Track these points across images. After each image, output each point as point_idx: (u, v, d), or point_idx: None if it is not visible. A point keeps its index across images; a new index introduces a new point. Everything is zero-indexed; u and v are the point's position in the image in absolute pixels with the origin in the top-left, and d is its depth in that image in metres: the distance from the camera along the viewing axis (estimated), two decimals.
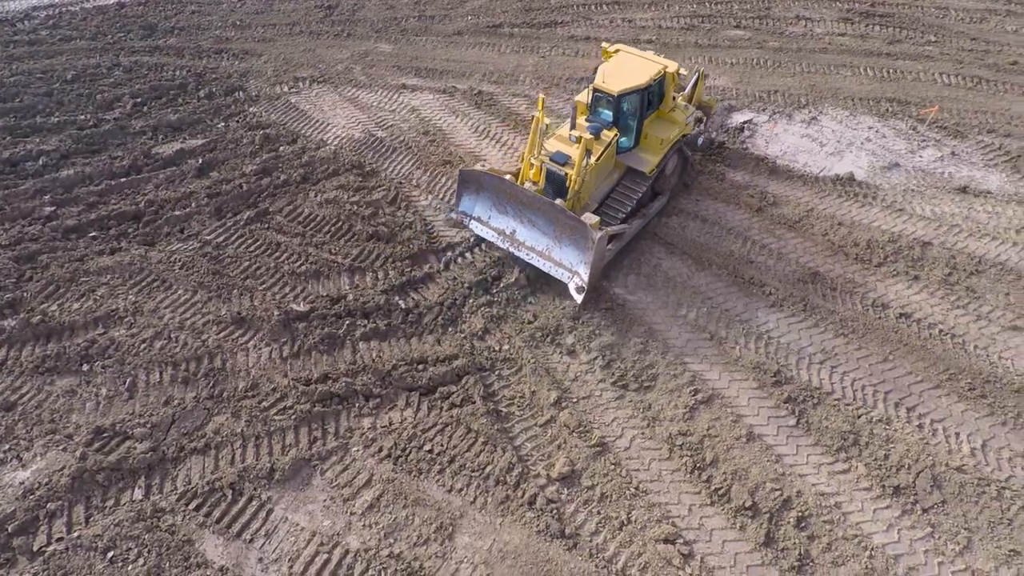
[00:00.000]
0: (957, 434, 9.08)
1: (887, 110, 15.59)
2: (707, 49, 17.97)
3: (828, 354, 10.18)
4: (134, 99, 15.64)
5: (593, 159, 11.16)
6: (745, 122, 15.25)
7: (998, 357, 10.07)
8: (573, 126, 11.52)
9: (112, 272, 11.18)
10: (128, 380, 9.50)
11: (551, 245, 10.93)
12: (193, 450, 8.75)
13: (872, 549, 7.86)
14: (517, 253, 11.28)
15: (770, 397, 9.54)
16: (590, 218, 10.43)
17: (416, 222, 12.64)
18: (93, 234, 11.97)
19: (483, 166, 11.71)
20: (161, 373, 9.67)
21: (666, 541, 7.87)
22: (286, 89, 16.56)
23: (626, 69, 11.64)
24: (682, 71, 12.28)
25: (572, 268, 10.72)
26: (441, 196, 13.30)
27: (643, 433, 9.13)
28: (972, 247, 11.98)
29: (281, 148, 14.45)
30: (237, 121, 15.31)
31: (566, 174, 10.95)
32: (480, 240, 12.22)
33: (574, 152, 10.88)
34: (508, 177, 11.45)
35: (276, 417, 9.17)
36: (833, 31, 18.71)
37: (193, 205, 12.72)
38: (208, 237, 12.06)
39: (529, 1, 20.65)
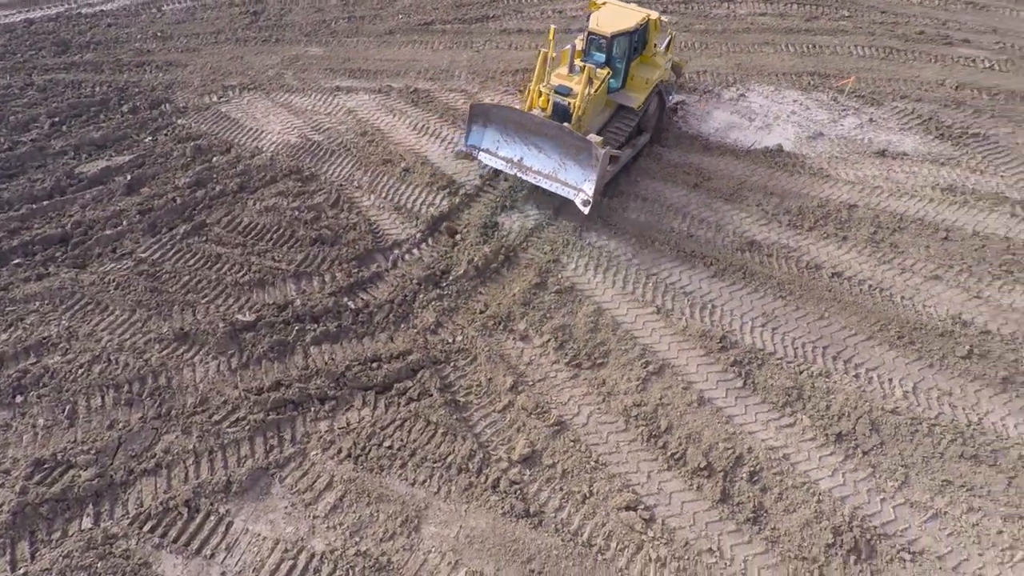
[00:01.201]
0: (890, 380, 9.61)
1: (809, 83, 16.29)
2: None
3: (769, 317, 10.60)
4: (51, 118, 14.95)
5: (593, 89, 12.22)
6: (678, 103, 15.68)
7: (922, 305, 10.69)
8: (572, 64, 12.52)
9: (41, 298, 10.70)
10: (67, 408, 9.12)
11: (557, 167, 11.95)
12: (143, 472, 8.47)
13: (820, 494, 8.25)
14: (525, 177, 12.29)
15: (717, 362, 9.87)
16: (594, 137, 11.59)
17: (360, 223, 12.52)
18: (17, 261, 11.42)
19: (491, 99, 12.75)
20: (103, 397, 9.31)
21: (628, 508, 8.07)
22: (215, 99, 16.13)
23: (616, 15, 12.95)
24: (664, 19, 13.53)
25: (577, 186, 11.73)
26: (383, 195, 13.22)
27: (599, 408, 9.32)
28: (893, 206, 12.65)
29: (214, 158, 14.07)
30: (165, 134, 14.83)
31: (569, 103, 12.05)
32: (428, 235, 12.24)
33: (576, 85, 12.07)
34: (516, 106, 12.75)
35: (229, 429, 8.97)
36: (754, 11, 19.40)
37: (124, 223, 12.27)
38: (143, 254, 11.67)
39: None
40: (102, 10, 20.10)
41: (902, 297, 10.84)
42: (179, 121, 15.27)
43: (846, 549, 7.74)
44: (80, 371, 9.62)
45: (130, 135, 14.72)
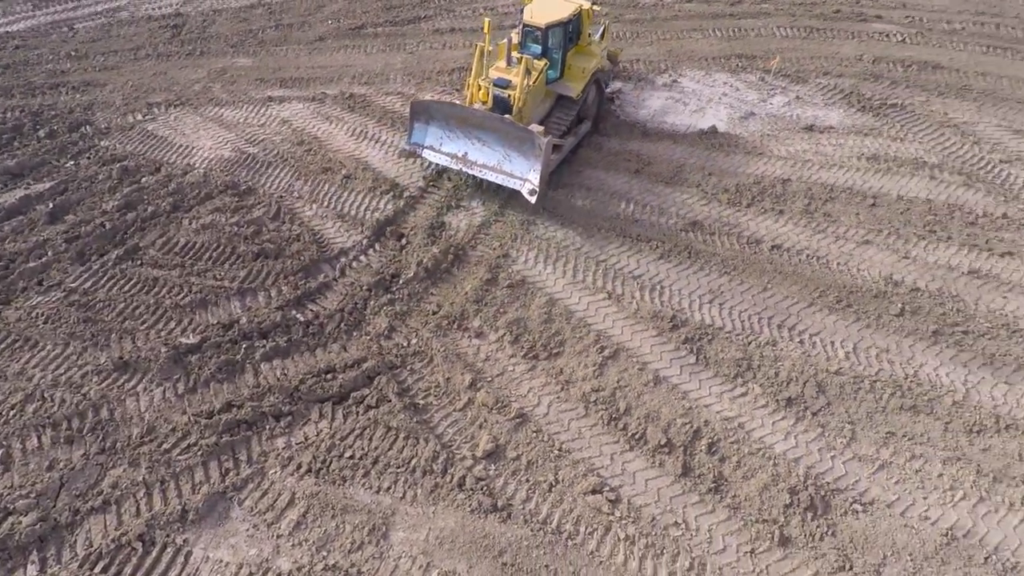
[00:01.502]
0: (832, 343, 10.00)
1: (737, 66, 16.79)
2: None
3: (716, 293, 10.88)
4: None
5: (532, 80, 12.37)
6: (615, 91, 15.92)
7: (856, 270, 11.16)
8: (509, 57, 12.65)
9: None
10: (0, 452, 8.60)
11: (501, 160, 12.11)
12: (91, 510, 8.07)
13: (775, 458, 8.52)
14: (470, 172, 12.41)
15: (670, 341, 10.07)
16: (536, 127, 11.74)
17: (304, 233, 12.26)
18: None
19: (431, 97, 12.83)
20: (39, 437, 8.82)
21: (594, 492, 8.15)
22: (140, 117, 15.50)
23: (549, 7, 13.10)
24: (596, 8, 13.89)
25: (523, 176, 11.89)
26: (326, 204, 12.96)
27: (559, 397, 9.38)
28: (824, 177, 13.17)
29: (143, 179, 13.52)
30: (88, 158, 14.16)
31: (509, 95, 12.19)
32: (375, 240, 12.07)
33: (514, 77, 12.19)
34: (457, 102, 12.66)
35: (180, 457, 8.64)
36: (681, 0, 19.87)
37: (50, 253, 11.66)
38: (73, 284, 11.12)
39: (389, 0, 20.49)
40: (8, 31, 19.10)
41: (838, 263, 11.29)
42: (102, 143, 14.62)
43: (803, 507, 8.01)
44: (12, 412, 9.10)
45: (49, 161, 14.00)
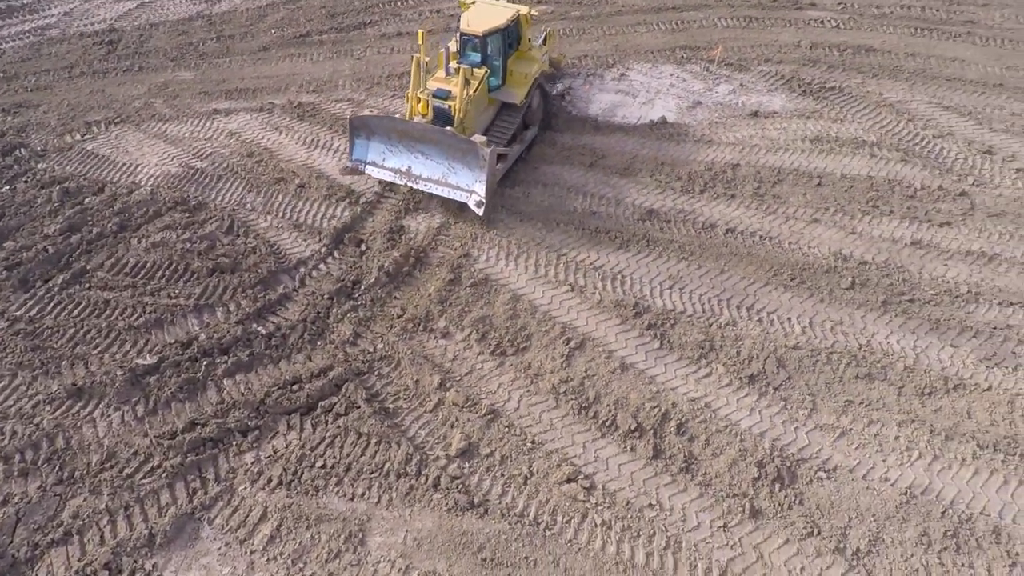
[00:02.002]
0: (789, 319, 10.32)
1: (682, 57, 17.17)
2: None
3: (675, 279, 11.10)
4: None
5: (472, 90, 12.17)
6: (564, 89, 16.08)
7: (807, 247, 11.55)
8: (448, 67, 12.45)
9: None
10: None
11: (446, 172, 11.90)
12: (51, 543, 7.76)
13: (742, 434, 8.75)
14: (415, 186, 12.19)
15: (633, 328, 10.24)
16: (479, 138, 11.50)
17: (260, 245, 12.02)
18: None
19: (370, 111, 12.49)
20: None
21: (568, 481, 8.23)
22: (78, 137, 14.95)
23: (486, 14, 13.00)
24: (534, 12, 13.87)
25: (469, 188, 11.72)
26: (280, 215, 12.75)
27: (528, 391, 9.44)
28: (771, 161, 13.58)
29: (87, 200, 13.05)
30: (25, 181, 13.60)
31: (450, 106, 11.93)
32: (334, 248, 11.92)
33: (454, 87, 11.91)
34: (398, 115, 12.44)
35: (144, 481, 8.38)
36: None
37: None
38: (17, 312, 10.67)
39: (333, 6, 20.25)
40: None
41: (789, 243, 11.66)
42: (39, 165, 14.06)
43: (771, 479, 8.25)
44: None
45: None
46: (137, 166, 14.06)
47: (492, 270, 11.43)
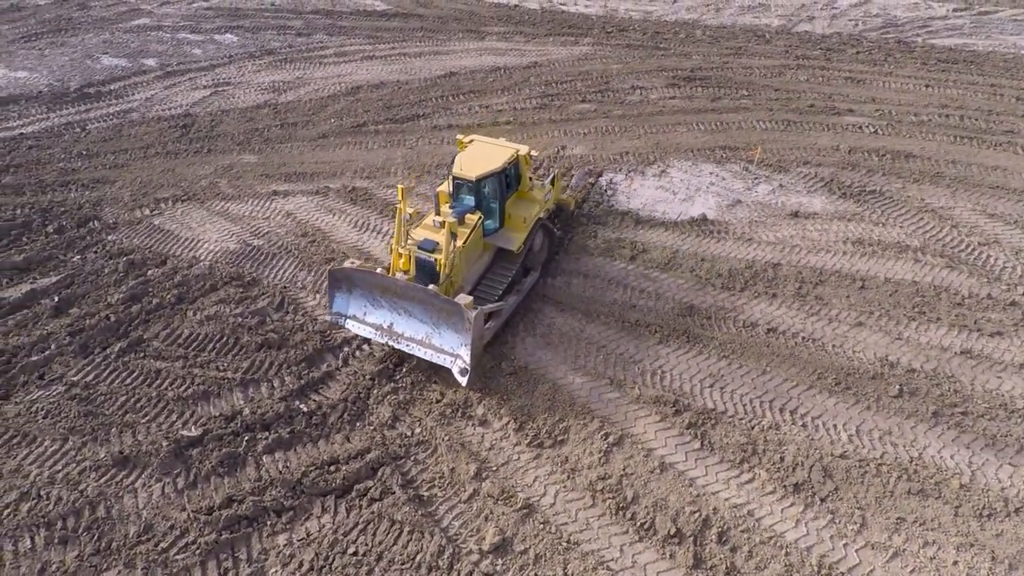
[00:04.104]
0: (835, 426, 10.05)
1: (722, 156, 17.74)
2: (560, 123, 19.68)
3: (716, 377, 11.00)
4: None
5: (460, 242, 11.34)
6: (607, 182, 16.68)
7: (852, 352, 11.38)
8: (438, 210, 11.74)
9: None
10: None
11: (430, 332, 10.84)
12: None
13: (787, 547, 8.37)
14: (397, 346, 11.07)
15: (673, 427, 10.09)
16: (464, 299, 10.47)
17: (307, 323, 12.43)
18: None
19: (352, 263, 11.44)
20: (32, 538, 8.57)
21: None
22: (147, 212, 16.01)
23: (482, 156, 12.25)
24: (534, 153, 13.07)
25: (454, 352, 10.62)
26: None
27: (565, 486, 9.27)
28: (813, 261, 13.65)
29: (149, 272, 13.81)
30: (95, 252, 14.51)
31: (436, 260, 10.95)
32: None
33: (441, 238, 10.96)
34: (379, 270, 11.34)
35: (178, 556, 8.38)
36: (664, 96, 21.22)
37: (53, 346, 11.73)
38: (75, 378, 11.13)
39: (389, 99, 21.72)
40: (22, 132, 19.93)
41: (833, 346, 11.52)
42: (109, 237, 15.02)
43: None
44: (5, 512, 8.86)
45: (56, 255, 14.33)
46: (199, 241, 14.89)
47: (531, 359, 11.53)
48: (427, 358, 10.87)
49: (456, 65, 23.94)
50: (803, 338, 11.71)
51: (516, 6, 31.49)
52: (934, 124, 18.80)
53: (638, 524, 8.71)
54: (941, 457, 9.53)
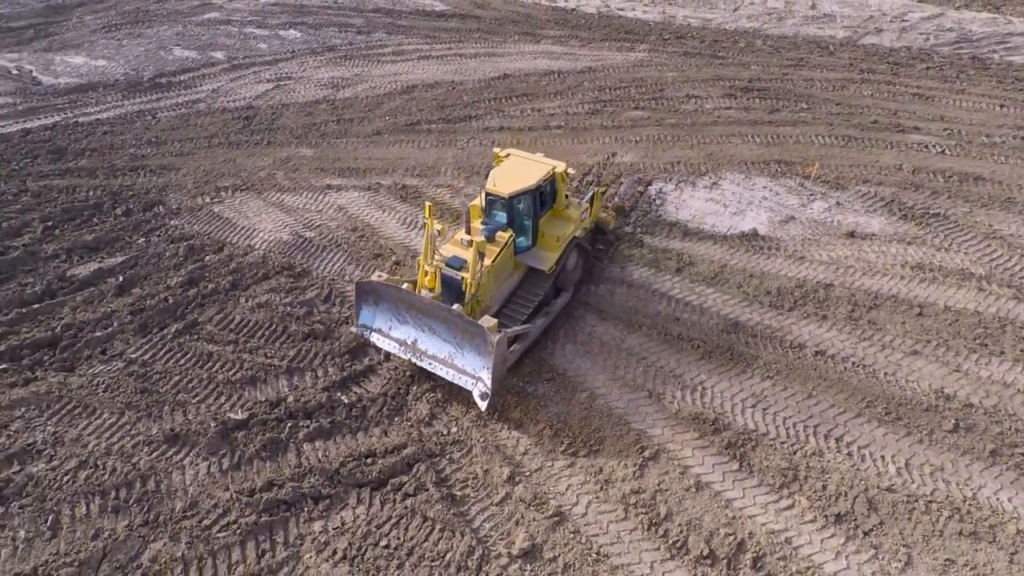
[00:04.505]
0: (883, 457, 9.69)
1: (776, 170, 17.30)
2: (612, 130, 19.55)
3: (758, 397, 10.75)
4: (44, 223, 15.31)
5: (488, 261, 11.07)
6: (656, 191, 16.50)
7: (905, 380, 10.94)
8: (468, 230, 11.22)
9: (27, 403, 10.58)
10: (50, 518, 8.82)
11: (453, 352, 10.60)
12: None
13: None
14: (420, 363, 10.86)
15: (712, 445, 9.91)
16: (487, 321, 10.16)
17: (352, 316, 12.70)
18: (3, 366, 11.35)
19: (379, 276, 11.31)
20: (88, 505, 9.05)
21: None
22: (208, 200, 16.65)
23: (516, 172, 11.89)
24: (570, 171, 12.54)
25: (475, 374, 10.37)
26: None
27: (597, 497, 9.23)
28: (868, 284, 13.18)
29: (207, 257, 14.37)
30: (158, 235, 15.18)
31: (462, 278, 10.71)
32: None
33: (469, 256, 10.72)
34: (405, 286, 11.20)
35: (219, 534, 8.70)
36: (720, 106, 20.82)
37: (115, 324, 12.34)
38: (133, 355, 11.67)
39: (443, 99, 21.98)
40: (98, 119, 20.99)
41: (885, 373, 11.11)
42: (172, 222, 15.68)
43: None
44: (65, 478, 9.38)
45: (123, 237, 15.05)
46: (254, 230, 15.41)
47: (570, 366, 11.50)
48: (449, 378, 10.64)
49: (510, 67, 24.06)
50: (853, 363, 11.33)
51: (573, 10, 31.42)
52: (1008, 146, 17.88)
53: (670, 542, 8.60)
54: (997, 499, 9.07)
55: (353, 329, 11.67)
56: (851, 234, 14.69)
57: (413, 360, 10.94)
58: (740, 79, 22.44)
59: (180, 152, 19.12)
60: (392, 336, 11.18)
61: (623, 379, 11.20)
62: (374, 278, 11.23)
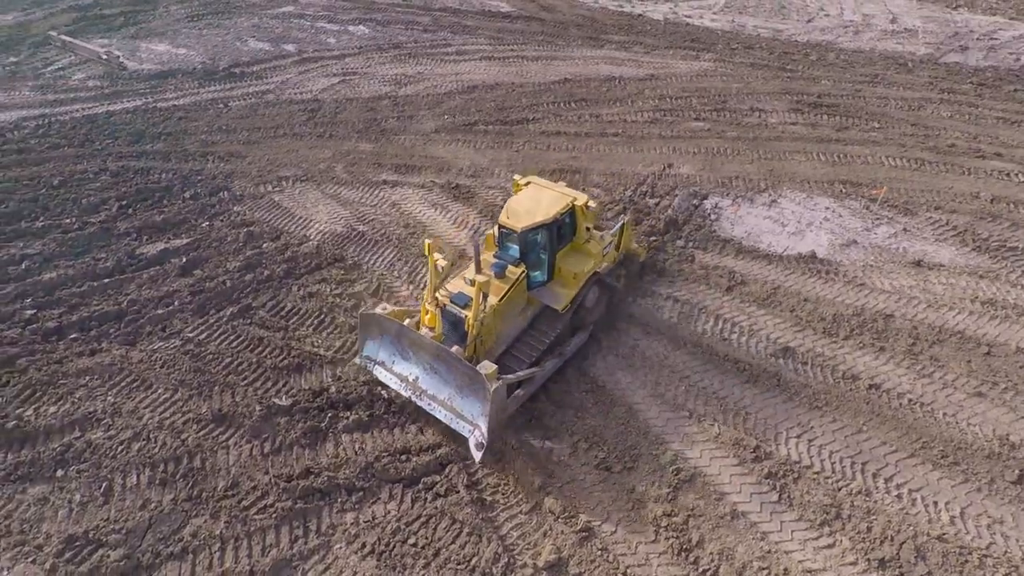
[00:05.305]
0: (935, 503, 9.18)
1: (841, 191, 16.64)
2: (670, 140, 19.22)
3: (804, 427, 10.37)
4: (119, 202, 16.15)
5: (495, 300, 10.46)
6: (712, 206, 16.12)
7: (967, 424, 10.34)
8: (478, 263, 10.56)
9: (91, 373, 11.19)
10: (104, 484, 9.32)
11: (453, 394, 10.03)
12: (169, 555, 8.50)
13: None
14: (419, 403, 10.30)
15: (751, 473, 9.62)
16: (486, 367, 9.42)
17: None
18: (74, 336, 12.05)
19: (383, 308, 10.79)
20: (138, 475, 9.51)
21: None
22: (270, 188, 17.23)
23: (533, 203, 11.09)
24: (591, 203, 11.59)
25: (473, 421, 9.80)
26: (421, 285, 13.68)
27: (628, 516, 9.09)
28: (932, 318, 12.52)
29: (264, 245, 14.87)
30: (222, 220, 15.80)
31: (465, 317, 10.13)
32: None
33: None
34: (407, 322, 10.66)
35: (256, 516, 9.00)
36: (785, 120, 20.18)
37: (176, 303, 12.91)
38: (190, 334, 12.19)
39: (502, 100, 22.07)
40: (175, 104, 22.02)
41: (944, 414, 10.52)
42: (235, 208, 16.30)
43: None
44: (120, 448, 9.88)
45: (189, 220, 15.74)
46: (310, 221, 15.86)
47: (610, 379, 11.37)
48: (446, 421, 10.06)
49: (571, 72, 23.96)
50: (910, 400, 10.78)
51: (640, 16, 31.04)
52: None
53: (700, 569, 8.39)
54: None
55: (357, 360, 11.26)
56: (917, 263, 13.98)
57: (412, 399, 10.44)
58: (809, 94, 21.68)
59: (247, 141, 19.85)
60: (394, 371, 10.71)
61: (664, 396, 10.99)
62: (378, 310, 10.70)
